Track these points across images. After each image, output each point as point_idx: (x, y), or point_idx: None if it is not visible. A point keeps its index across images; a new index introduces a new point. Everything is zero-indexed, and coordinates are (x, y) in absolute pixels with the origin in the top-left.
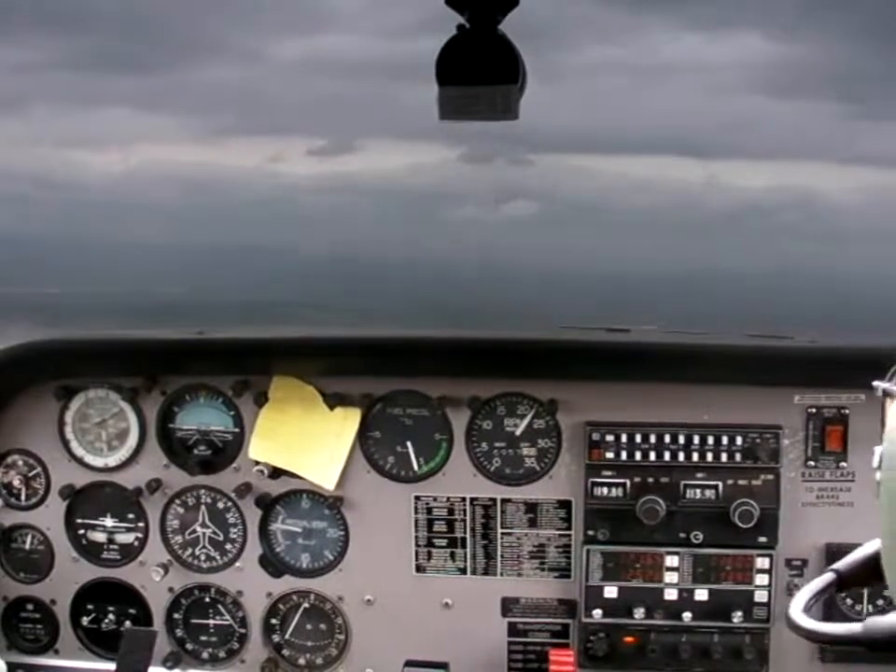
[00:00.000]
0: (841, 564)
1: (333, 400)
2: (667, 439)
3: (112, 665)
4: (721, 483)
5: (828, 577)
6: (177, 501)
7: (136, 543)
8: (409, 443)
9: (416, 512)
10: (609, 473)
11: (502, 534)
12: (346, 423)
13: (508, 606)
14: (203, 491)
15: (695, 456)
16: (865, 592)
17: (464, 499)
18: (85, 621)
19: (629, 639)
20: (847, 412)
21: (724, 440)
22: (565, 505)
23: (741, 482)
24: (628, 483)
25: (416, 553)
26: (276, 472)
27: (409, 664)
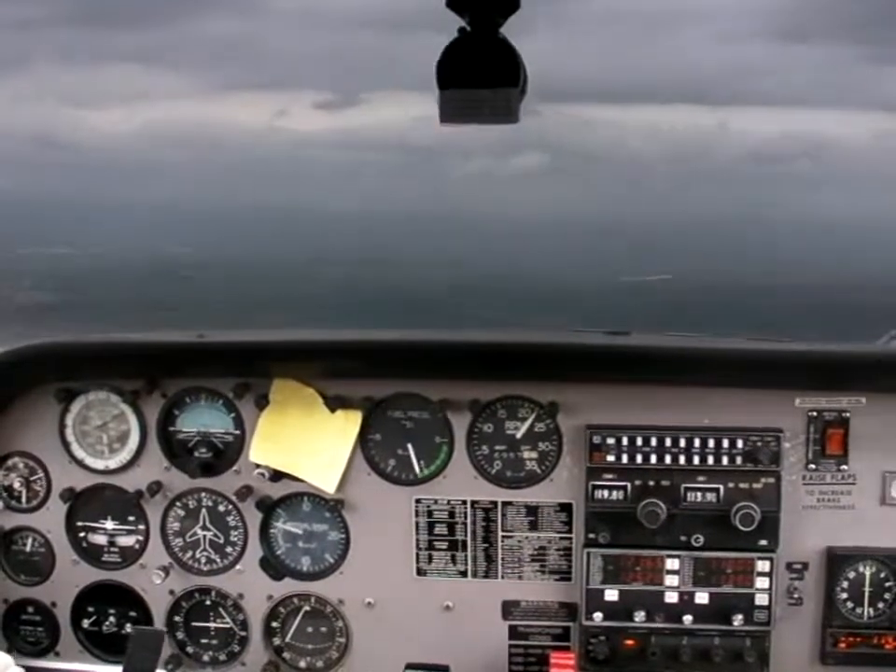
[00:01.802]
0: None
1: (334, 403)
2: (668, 442)
3: (112, 668)
4: (721, 487)
5: None
6: (178, 504)
7: (137, 546)
8: (409, 446)
9: (417, 515)
10: (610, 476)
11: (503, 537)
12: (347, 425)
13: (508, 609)
14: (203, 494)
15: (696, 460)
16: (866, 593)
17: (465, 502)
18: (86, 623)
19: (630, 642)
20: (847, 415)
21: (725, 443)
22: (565, 508)
23: (742, 485)
24: (629, 486)
25: (417, 555)
26: (277, 475)
27: (409, 667)
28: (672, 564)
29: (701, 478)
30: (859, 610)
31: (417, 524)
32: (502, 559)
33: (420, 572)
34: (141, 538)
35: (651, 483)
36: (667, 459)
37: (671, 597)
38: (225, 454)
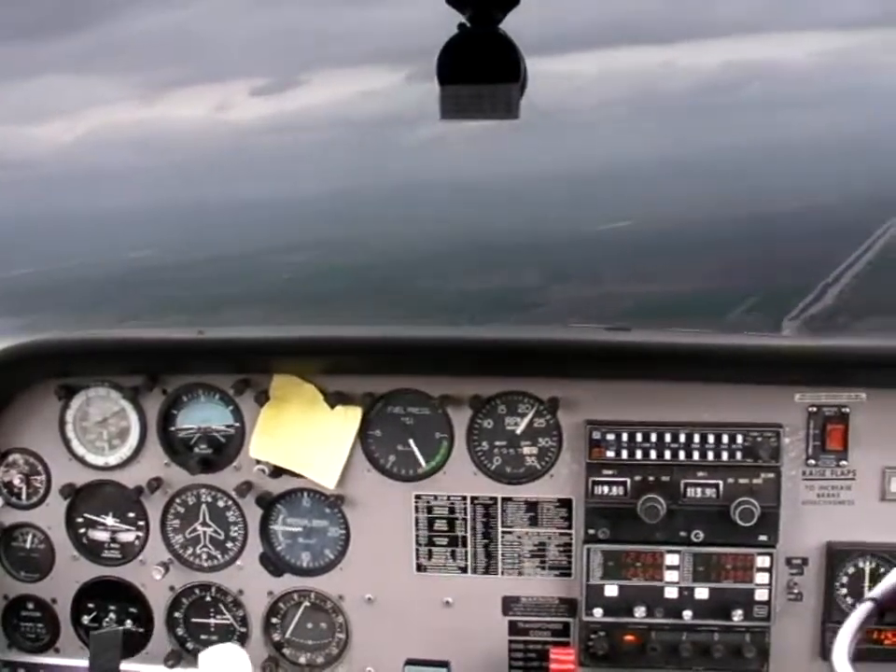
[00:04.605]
0: (877, 591)
1: (334, 399)
2: (668, 437)
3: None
4: (721, 482)
5: (865, 607)
6: (178, 500)
7: (137, 542)
8: (412, 441)
9: (417, 511)
10: (610, 472)
11: (503, 533)
12: (347, 421)
13: (508, 604)
14: (203, 490)
15: (696, 455)
16: (866, 588)
17: (465, 498)
18: (86, 619)
19: (630, 638)
20: (847, 410)
21: (725, 438)
22: (565, 504)
23: (742, 480)
24: (629, 481)
25: (417, 551)
26: (277, 471)
27: (409, 662)
28: (672, 559)
29: (701, 473)
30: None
31: (417, 519)
32: (502, 555)
33: (420, 568)
34: (141, 534)
35: (651, 478)
36: (667, 455)
37: (671, 593)
38: (225, 450)
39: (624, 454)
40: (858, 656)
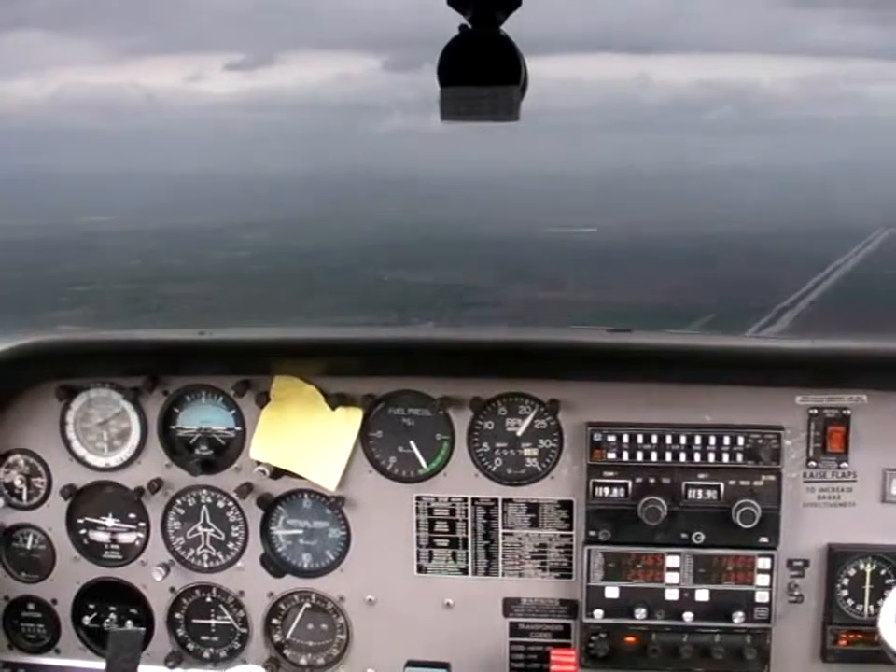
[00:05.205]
0: None
1: (335, 401)
2: (669, 439)
3: None
4: (722, 484)
5: None
6: (179, 501)
7: (138, 543)
8: (413, 443)
9: (418, 513)
10: (611, 474)
11: (504, 534)
12: (348, 423)
13: (509, 606)
14: (204, 491)
15: (697, 457)
16: (867, 590)
17: (465, 500)
18: (86, 620)
19: (630, 639)
20: (848, 412)
21: (726, 440)
22: (566, 505)
23: (743, 482)
24: (630, 483)
25: (418, 553)
26: (278, 472)
27: (410, 664)
28: (673, 561)
29: (702, 475)
30: (859, 608)
31: (418, 521)
32: (503, 556)
33: (421, 569)
34: (142, 535)
35: (652, 480)
36: (668, 457)
37: (672, 594)
38: (226, 451)
39: (625, 455)
40: (857, 658)
